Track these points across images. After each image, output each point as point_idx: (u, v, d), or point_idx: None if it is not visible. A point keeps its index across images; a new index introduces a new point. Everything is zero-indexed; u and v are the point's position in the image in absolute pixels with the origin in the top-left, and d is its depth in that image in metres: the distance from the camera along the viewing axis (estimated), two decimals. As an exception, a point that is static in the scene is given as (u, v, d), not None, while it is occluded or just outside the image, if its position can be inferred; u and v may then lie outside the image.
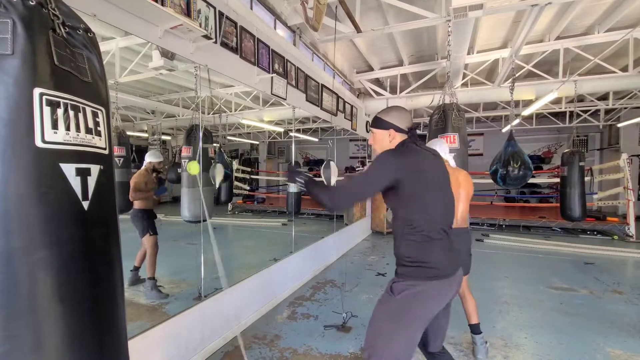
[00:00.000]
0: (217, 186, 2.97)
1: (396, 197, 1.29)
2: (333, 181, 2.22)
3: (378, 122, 1.42)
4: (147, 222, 3.14)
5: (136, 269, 3.26)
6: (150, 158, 3.28)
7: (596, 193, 6.78)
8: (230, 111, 5.99)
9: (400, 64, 5.57)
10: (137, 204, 3.12)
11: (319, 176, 11.67)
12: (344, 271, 4.19)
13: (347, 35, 3.88)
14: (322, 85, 4.38)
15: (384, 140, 1.40)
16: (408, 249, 1.28)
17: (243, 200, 9.65)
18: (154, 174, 3.32)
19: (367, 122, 6.58)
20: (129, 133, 3.79)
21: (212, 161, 3.15)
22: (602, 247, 5.36)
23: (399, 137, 1.38)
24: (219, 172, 2.88)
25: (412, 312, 1.25)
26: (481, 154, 10.64)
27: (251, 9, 3.06)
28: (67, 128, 0.75)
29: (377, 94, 6.22)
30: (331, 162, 2.69)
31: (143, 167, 3.26)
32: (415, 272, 1.26)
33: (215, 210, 3.63)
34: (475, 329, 2.24)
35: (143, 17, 1.79)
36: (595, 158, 9.65)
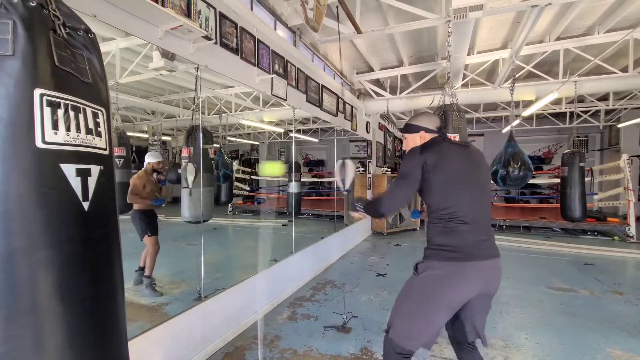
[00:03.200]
0: (190, 186, 2.89)
1: (424, 186, 1.37)
2: (347, 184, 1.92)
3: (408, 128, 1.54)
4: (146, 222, 3.15)
5: (141, 269, 3.26)
6: (149, 159, 3.30)
7: (596, 194, 6.77)
8: (231, 112, 6.00)
9: (401, 64, 5.57)
10: (136, 205, 3.13)
11: (318, 177, 11.55)
12: (344, 272, 4.18)
13: (347, 36, 3.88)
14: (323, 86, 4.39)
15: (415, 143, 1.49)
16: (433, 233, 1.37)
17: (243, 200, 9.66)
18: (154, 175, 3.34)
19: (399, 128, 6.58)
20: (129, 134, 3.79)
21: (184, 161, 2.98)
22: (603, 247, 5.35)
23: (430, 137, 1.48)
24: (190, 172, 2.79)
25: (432, 292, 1.30)
26: (481, 155, 10.63)
27: (251, 9, 3.06)
28: (68, 128, 0.75)
29: (377, 94, 6.22)
30: (347, 162, 1.91)
31: (143, 169, 3.26)
32: (436, 255, 1.33)
33: (216, 211, 3.60)
34: None
35: (143, 18, 1.79)
36: (596, 158, 9.65)
